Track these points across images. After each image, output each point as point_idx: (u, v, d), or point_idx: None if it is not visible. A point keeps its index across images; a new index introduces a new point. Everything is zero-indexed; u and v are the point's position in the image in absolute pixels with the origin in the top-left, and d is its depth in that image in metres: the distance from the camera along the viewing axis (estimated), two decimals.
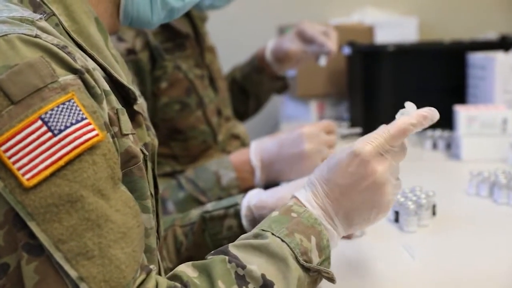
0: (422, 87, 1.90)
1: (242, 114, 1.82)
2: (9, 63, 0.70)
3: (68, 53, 0.74)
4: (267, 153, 1.35)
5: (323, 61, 1.71)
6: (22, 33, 0.73)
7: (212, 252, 0.82)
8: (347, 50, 1.94)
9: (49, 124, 0.70)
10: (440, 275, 0.99)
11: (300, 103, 2.14)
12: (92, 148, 0.71)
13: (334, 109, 2.12)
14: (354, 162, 0.84)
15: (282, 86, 1.82)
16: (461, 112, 1.59)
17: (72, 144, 0.70)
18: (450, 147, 1.67)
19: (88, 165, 0.71)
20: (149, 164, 0.89)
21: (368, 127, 1.84)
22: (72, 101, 0.71)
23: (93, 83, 0.75)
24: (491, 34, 2.11)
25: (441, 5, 2.42)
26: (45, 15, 0.79)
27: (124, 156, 0.79)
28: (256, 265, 0.78)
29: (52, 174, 0.70)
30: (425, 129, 1.78)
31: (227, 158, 1.38)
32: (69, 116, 0.71)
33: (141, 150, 0.84)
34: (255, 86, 1.79)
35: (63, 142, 0.70)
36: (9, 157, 0.69)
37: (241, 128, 1.67)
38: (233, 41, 2.32)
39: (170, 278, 0.78)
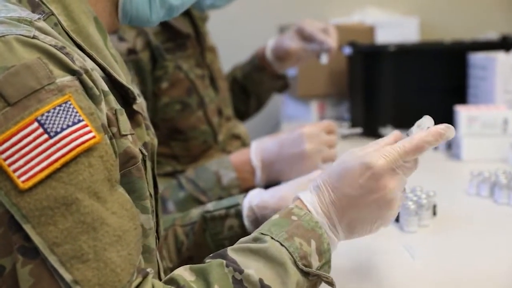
0: (423, 87, 1.90)
1: (243, 113, 1.82)
2: (6, 65, 0.70)
3: (66, 54, 0.74)
4: (268, 153, 1.35)
5: (324, 59, 1.71)
6: (20, 34, 0.72)
7: (211, 255, 0.81)
8: (347, 50, 1.94)
9: (45, 126, 0.70)
10: (440, 275, 0.99)
11: (301, 103, 2.14)
12: (88, 150, 0.71)
13: (335, 109, 2.12)
14: (366, 174, 0.83)
15: (282, 85, 1.82)
16: (462, 112, 1.59)
17: (68, 146, 0.70)
18: (451, 147, 1.67)
19: (84, 167, 0.71)
20: (149, 164, 0.88)
21: (369, 127, 1.87)
22: (69, 103, 0.71)
23: (91, 84, 0.75)
24: (492, 34, 2.11)
25: (442, 5, 2.42)
26: (43, 15, 0.78)
27: (122, 157, 0.79)
28: (254, 269, 0.78)
29: (48, 177, 0.69)
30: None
31: (227, 158, 1.38)
32: (65, 118, 0.70)
33: (140, 150, 0.84)
34: (255, 85, 1.79)
35: (59, 144, 0.70)
36: (5, 159, 0.69)
37: (242, 128, 1.67)
38: (233, 41, 2.32)
39: (167, 282, 0.78)
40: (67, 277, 0.69)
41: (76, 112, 0.71)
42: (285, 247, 0.80)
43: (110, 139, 0.76)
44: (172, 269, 1.06)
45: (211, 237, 1.08)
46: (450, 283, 0.96)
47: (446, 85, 1.88)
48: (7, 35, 0.72)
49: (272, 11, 2.42)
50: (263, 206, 1.05)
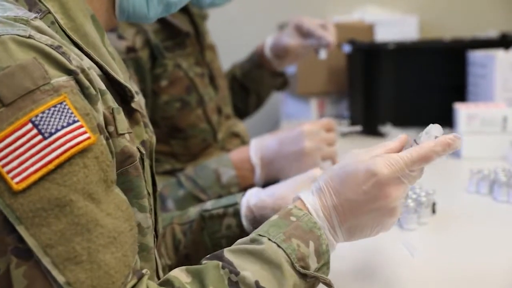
0: (422, 85, 1.90)
1: (243, 111, 1.82)
2: (1, 65, 0.70)
3: (63, 53, 0.73)
4: (267, 151, 1.35)
5: (323, 54, 1.71)
6: (15, 34, 0.72)
7: (207, 256, 0.81)
8: (347, 48, 1.94)
9: (40, 127, 0.69)
10: (439, 273, 0.99)
11: (300, 101, 2.14)
12: (83, 151, 0.71)
13: (334, 107, 2.12)
14: (370, 181, 0.82)
15: (282, 82, 1.82)
16: (461, 110, 1.59)
17: (62, 147, 0.70)
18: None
19: (79, 168, 0.70)
20: (147, 162, 0.88)
21: (368, 125, 1.87)
22: (64, 103, 0.71)
23: (87, 83, 0.74)
24: (492, 32, 2.11)
25: (441, 4, 2.42)
26: (40, 13, 0.78)
27: (120, 156, 0.78)
28: (250, 271, 0.77)
29: (42, 178, 0.69)
30: (425, 127, 1.79)
31: (227, 156, 1.38)
32: (60, 118, 0.70)
33: (138, 148, 0.84)
34: (255, 83, 1.79)
35: (53, 146, 0.69)
36: None
37: (241, 126, 1.67)
38: (233, 40, 2.32)
39: (162, 283, 0.77)
40: (60, 279, 0.69)
41: (71, 113, 0.71)
42: (282, 249, 0.79)
43: (107, 139, 0.76)
44: (170, 267, 1.06)
45: (209, 235, 1.07)
46: (450, 281, 0.97)
47: (445, 83, 1.89)
48: (3, 35, 0.72)
49: (272, 10, 2.42)
50: (261, 206, 1.05)
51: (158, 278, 0.89)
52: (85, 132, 0.71)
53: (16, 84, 0.69)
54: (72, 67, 0.73)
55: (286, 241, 0.80)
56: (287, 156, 1.33)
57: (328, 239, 0.83)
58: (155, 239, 0.92)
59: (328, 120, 1.39)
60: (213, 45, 1.65)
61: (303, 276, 0.80)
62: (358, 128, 1.86)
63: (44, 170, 0.69)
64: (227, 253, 0.80)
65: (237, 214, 1.07)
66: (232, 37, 2.34)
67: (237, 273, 0.77)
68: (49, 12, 0.79)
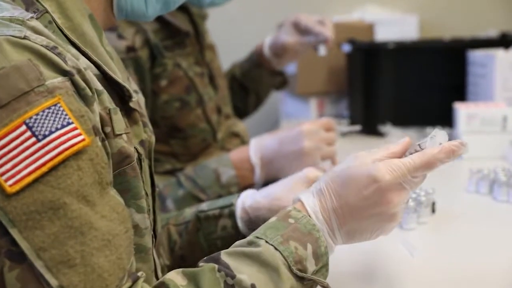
0: (422, 84, 1.90)
1: (242, 111, 1.82)
2: None
3: (58, 54, 0.73)
4: (267, 151, 1.35)
5: (322, 51, 1.70)
6: (10, 35, 0.71)
7: (204, 258, 0.80)
8: (347, 48, 1.94)
9: (34, 129, 0.69)
10: (439, 272, 0.99)
11: (300, 100, 2.14)
12: (78, 153, 0.70)
13: (334, 106, 2.12)
14: (371, 187, 0.82)
15: (281, 81, 1.82)
16: (461, 109, 1.59)
17: (56, 149, 0.69)
18: None
19: (73, 170, 0.70)
20: (146, 162, 0.88)
21: (368, 125, 1.87)
22: (59, 105, 0.70)
23: (83, 84, 0.74)
24: (492, 32, 2.11)
25: (441, 3, 2.42)
26: (37, 13, 0.78)
27: (117, 156, 0.78)
28: (247, 274, 0.77)
29: (35, 180, 0.69)
30: (425, 126, 1.79)
31: (226, 156, 1.38)
32: (54, 120, 0.70)
33: (136, 149, 0.83)
34: (254, 82, 1.79)
35: (47, 148, 0.69)
36: None
37: (241, 126, 1.67)
38: (233, 39, 2.32)
39: (157, 286, 0.77)
40: (53, 282, 0.68)
41: (66, 115, 0.70)
42: (280, 251, 0.79)
43: (103, 140, 0.75)
44: (168, 267, 1.06)
45: (204, 236, 1.07)
46: (449, 280, 0.97)
47: (445, 83, 1.88)
48: None
49: (272, 9, 2.42)
50: (257, 207, 1.04)
51: (157, 278, 0.89)
52: (79, 134, 0.71)
53: (10, 85, 0.69)
54: (68, 68, 0.73)
55: (283, 243, 0.80)
56: (286, 156, 1.33)
57: (327, 241, 0.83)
58: (154, 239, 0.92)
59: (327, 119, 1.39)
60: (213, 44, 1.65)
61: (300, 279, 0.79)
62: (358, 127, 1.85)
63: (38, 173, 0.69)
64: (224, 255, 0.79)
65: (232, 215, 1.06)
66: (232, 36, 2.34)
67: (233, 276, 0.76)
68: (47, 12, 0.79)
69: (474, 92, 1.81)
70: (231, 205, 1.07)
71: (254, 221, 1.04)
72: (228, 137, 1.58)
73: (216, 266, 0.77)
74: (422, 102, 1.89)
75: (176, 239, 1.08)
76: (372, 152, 0.86)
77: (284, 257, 0.79)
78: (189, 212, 1.10)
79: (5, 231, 0.69)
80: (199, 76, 1.50)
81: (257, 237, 0.81)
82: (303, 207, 0.84)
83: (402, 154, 0.86)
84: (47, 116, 0.70)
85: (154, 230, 0.92)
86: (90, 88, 0.75)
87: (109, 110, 0.78)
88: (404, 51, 1.90)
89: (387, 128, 1.86)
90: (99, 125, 0.75)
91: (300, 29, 1.70)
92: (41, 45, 0.72)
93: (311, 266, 0.80)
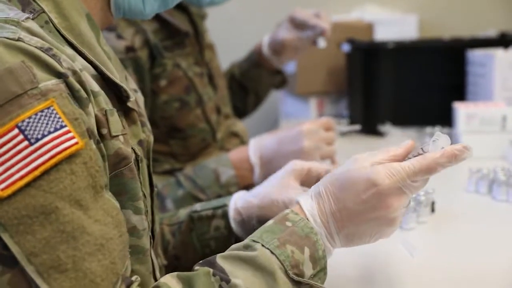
0: (422, 84, 1.90)
1: (242, 111, 1.82)
2: None
3: (53, 56, 0.72)
4: (266, 151, 1.35)
5: (321, 43, 1.69)
6: (4, 37, 0.71)
7: (200, 262, 0.80)
8: (346, 47, 1.94)
9: (26, 132, 0.68)
10: (438, 272, 0.99)
11: (300, 100, 2.14)
12: (71, 157, 0.70)
13: (334, 106, 2.12)
14: (370, 191, 0.81)
15: (280, 80, 1.82)
16: (461, 109, 1.59)
17: (49, 153, 0.69)
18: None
19: (65, 174, 0.69)
20: (144, 162, 0.87)
21: (368, 124, 1.87)
22: (52, 108, 0.70)
23: (77, 86, 0.73)
24: (491, 32, 2.11)
25: (441, 3, 2.42)
26: (34, 13, 0.77)
27: (114, 158, 0.78)
28: (242, 279, 0.76)
29: (27, 185, 0.68)
30: (425, 126, 1.79)
31: (226, 156, 1.38)
32: (47, 124, 0.69)
33: (133, 149, 0.83)
34: (254, 82, 1.79)
35: (39, 151, 0.68)
36: None
37: (240, 126, 1.67)
38: (233, 38, 2.32)
39: None
40: (44, 287, 0.68)
41: (59, 118, 0.70)
42: (276, 255, 0.78)
43: (98, 143, 0.75)
44: (166, 267, 1.06)
45: (197, 237, 1.06)
46: (449, 280, 0.97)
47: (445, 82, 1.88)
48: None
49: (271, 9, 2.41)
50: (248, 207, 1.04)
51: (155, 279, 0.88)
52: (72, 137, 0.70)
53: (3, 88, 0.69)
54: (62, 70, 0.72)
55: (280, 247, 0.79)
56: (286, 156, 1.33)
57: (325, 245, 0.82)
58: (152, 240, 0.91)
59: (327, 119, 1.39)
60: (212, 44, 1.65)
61: (297, 283, 0.79)
62: (357, 127, 1.85)
63: (30, 177, 0.68)
64: (219, 259, 0.78)
65: (225, 216, 1.06)
66: (232, 36, 2.34)
67: (228, 281, 0.76)
68: (43, 12, 0.78)
69: (474, 92, 1.81)
70: (224, 205, 1.06)
71: (247, 221, 1.03)
72: (227, 137, 1.58)
73: (211, 270, 0.77)
74: (422, 101, 1.89)
75: (169, 239, 1.08)
76: (372, 155, 0.84)
77: (280, 261, 0.78)
78: (183, 212, 1.10)
79: None
80: (198, 76, 1.50)
81: (254, 241, 0.80)
82: (301, 210, 0.84)
83: (404, 157, 0.85)
84: (40, 119, 0.69)
85: (152, 231, 0.92)
86: (86, 90, 0.74)
87: (106, 111, 0.77)
88: (403, 51, 1.90)
89: (387, 128, 1.86)
90: (94, 128, 0.74)
91: (297, 24, 1.69)
92: (35, 47, 0.72)
93: (308, 270, 0.79)
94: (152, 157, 0.94)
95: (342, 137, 1.82)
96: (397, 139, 1.81)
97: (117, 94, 0.83)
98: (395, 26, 2.20)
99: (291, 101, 2.17)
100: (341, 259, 1.01)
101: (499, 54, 1.72)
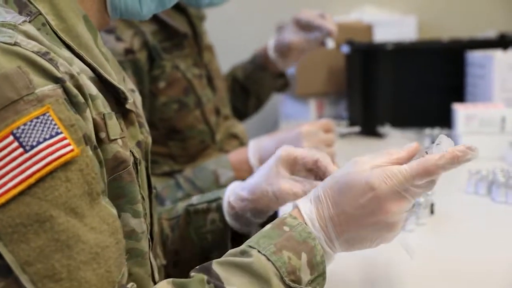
0: (421, 85, 1.90)
1: (242, 113, 1.82)
2: None
3: (50, 60, 0.72)
4: (266, 152, 1.35)
5: (330, 44, 1.68)
6: (0, 41, 0.71)
7: (197, 267, 0.79)
8: (346, 49, 1.94)
9: (21, 139, 0.68)
10: (438, 273, 0.99)
11: (299, 102, 2.14)
12: (66, 164, 0.69)
13: (333, 107, 2.12)
14: (368, 195, 0.79)
15: (283, 84, 1.82)
16: (460, 110, 1.59)
17: (43, 160, 0.68)
18: None
19: (61, 182, 0.69)
20: (143, 163, 0.87)
21: (367, 126, 1.87)
22: (48, 114, 0.69)
23: (75, 91, 0.73)
24: (490, 33, 2.11)
25: (440, 4, 2.42)
26: (31, 16, 0.77)
27: (112, 162, 0.77)
28: (237, 286, 0.76)
29: (22, 192, 0.67)
30: (424, 127, 1.79)
31: (225, 157, 1.39)
32: (42, 131, 0.69)
33: (132, 152, 0.83)
34: (257, 85, 1.79)
35: (34, 159, 0.68)
36: None
37: (240, 127, 1.67)
38: (231, 39, 2.32)
39: None
40: None
41: (55, 124, 0.69)
42: (272, 262, 0.77)
43: (95, 148, 0.74)
44: (165, 267, 1.06)
45: (194, 230, 1.06)
46: (448, 281, 0.97)
47: (444, 84, 1.88)
48: None
49: (270, 10, 2.42)
50: (240, 200, 1.03)
51: (154, 282, 0.88)
52: (68, 145, 0.69)
53: None
54: (59, 75, 0.72)
55: (276, 253, 0.78)
56: None
57: (325, 250, 0.81)
58: (151, 242, 0.91)
59: (326, 121, 1.39)
60: (211, 45, 1.65)
61: None
62: (357, 129, 1.85)
63: (25, 185, 0.67)
64: (215, 265, 0.78)
65: (220, 209, 1.05)
66: (230, 37, 2.34)
67: None
68: (40, 14, 0.78)
69: (473, 93, 1.81)
70: (219, 198, 1.05)
71: (241, 215, 1.03)
72: (226, 139, 1.58)
73: (206, 277, 0.76)
74: (421, 103, 1.89)
75: (168, 234, 1.07)
76: (374, 158, 0.82)
77: (276, 268, 0.77)
78: (181, 206, 1.09)
79: None
80: (197, 77, 1.50)
81: (250, 246, 0.79)
82: (300, 214, 0.82)
83: (407, 161, 0.82)
84: (35, 126, 0.68)
85: (151, 232, 0.92)
86: (83, 94, 0.74)
87: (104, 115, 0.77)
88: (402, 52, 1.90)
89: (386, 129, 1.86)
90: (91, 133, 0.74)
91: (302, 26, 1.69)
92: (32, 51, 0.71)
93: (305, 276, 0.78)
94: (151, 159, 0.94)
95: (342, 138, 1.81)
96: (397, 140, 1.81)
97: (115, 96, 0.83)
98: (394, 27, 2.20)
99: (291, 102, 2.17)
100: (340, 262, 1.01)
101: (498, 55, 1.72)
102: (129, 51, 1.38)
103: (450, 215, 1.23)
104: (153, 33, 1.43)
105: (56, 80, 0.71)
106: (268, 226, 0.82)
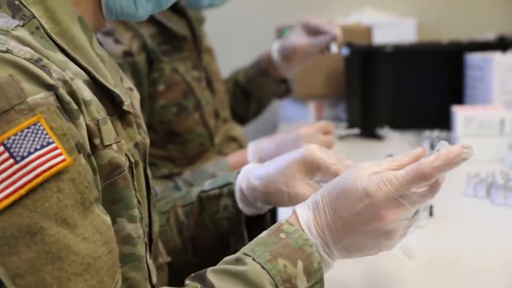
0: (420, 87, 1.90)
1: (243, 117, 1.81)
2: None
3: (42, 67, 0.71)
4: (264, 155, 1.35)
5: (334, 49, 1.68)
6: None
7: (192, 275, 0.78)
8: (345, 51, 1.94)
9: (12, 150, 0.67)
10: (437, 276, 0.99)
11: (298, 104, 2.14)
12: (58, 174, 0.68)
13: (332, 110, 2.12)
14: (363, 202, 0.77)
15: (285, 90, 1.81)
16: (459, 112, 1.59)
17: (34, 171, 0.67)
18: None
19: (52, 193, 0.68)
20: (140, 164, 0.87)
21: (366, 128, 1.87)
22: (39, 124, 0.68)
23: (68, 98, 0.72)
24: (490, 34, 2.11)
25: (439, 6, 2.42)
26: (24, 19, 0.76)
27: (107, 168, 0.77)
28: None
29: (12, 204, 0.67)
30: (423, 129, 1.79)
31: (224, 160, 1.39)
32: (34, 141, 0.68)
33: (128, 156, 0.82)
34: (258, 89, 1.78)
35: (25, 170, 0.67)
36: None
37: (239, 130, 1.67)
38: (231, 41, 2.32)
39: None
40: None
41: (46, 134, 0.69)
42: (266, 270, 0.75)
43: (89, 156, 0.74)
44: (178, 249, 1.04)
45: (209, 217, 1.03)
46: (447, 283, 0.97)
47: (443, 86, 1.89)
48: None
49: (270, 11, 2.42)
50: (252, 189, 1.00)
51: (152, 285, 0.88)
52: (60, 154, 0.69)
53: None
54: (52, 82, 0.71)
55: (271, 261, 0.76)
56: None
57: (322, 257, 0.79)
58: (150, 242, 0.91)
59: (325, 123, 1.39)
60: (211, 48, 1.65)
61: None
62: (356, 131, 1.85)
63: (15, 196, 0.67)
64: (210, 273, 0.77)
65: (231, 194, 1.02)
66: (230, 38, 2.35)
67: None
68: (34, 17, 0.77)
69: (472, 95, 1.81)
70: (230, 183, 1.03)
71: (252, 203, 1.01)
72: (225, 142, 1.58)
73: (200, 286, 0.75)
74: (420, 105, 1.89)
75: (183, 221, 1.05)
76: (376, 164, 0.80)
77: (271, 276, 0.75)
78: (195, 192, 1.06)
79: None
80: (196, 80, 1.50)
81: (245, 254, 0.78)
82: (297, 220, 0.81)
83: None
84: (26, 136, 0.68)
85: (150, 233, 0.91)
86: (77, 100, 0.73)
87: (98, 120, 0.76)
88: (402, 54, 1.91)
89: (385, 132, 1.86)
90: (84, 140, 0.73)
91: (310, 30, 1.69)
92: (24, 58, 0.71)
93: (302, 284, 0.77)
94: (150, 162, 0.93)
95: (341, 141, 1.81)
96: (396, 142, 1.81)
97: (111, 98, 0.82)
98: (393, 30, 2.20)
99: (290, 104, 2.17)
100: (338, 265, 1.01)
101: (497, 58, 1.72)
102: (127, 54, 1.38)
103: (449, 217, 1.23)
104: (152, 35, 1.43)
105: (48, 87, 0.71)
106: (264, 233, 0.80)
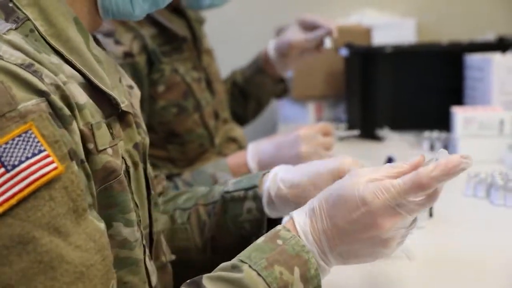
0: (420, 88, 1.90)
1: (242, 118, 1.82)
2: None
3: (34, 72, 0.70)
4: (264, 156, 1.35)
5: (328, 43, 1.68)
6: None
7: (187, 282, 0.77)
8: (344, 52, 1.94)
9: (3, 159, 0.66)
10: (437, 276, 0.99)
11: (298, 105, 2.14)
12: (50, 183, 0.67)
13: (332, 110, 2.12)
14: (360, 210, 0.76)
15: (282, 89, 1.81)
16: (459, 113, 1.59)
17: (26, 180, 0.66)
18: (448, 149, 1.67)
19: (44, 201, 0.67)
20: (140, 165, 0.86)
21: (366, 129, 1.87)
22: (30, 132, 0.67)
23: (60, 104, 0.71)
24: (490, 35, 2.11)
25: (439, 7, 2.42)
26: (18, 22, 0.75)
27: (102, 172, 0.76)
28: None
29: (4, 214, 0.66)
30: (423, 130, 1.79)
31: (224, 161, 1.39)
32: (25, 149, 0.67)
33: (124, 159, 0.81)
34: (256, 89, 1.78)
35: (16, 179, 0.66)
36: None
37: (239, 131, 1.67)
38: (231, 41, 2.32)
39: None
40: None
41: (38, 142, 0.67)
42: (262, 277, 0.75)
43: (82, 162, 0.73)
44: (199, 249, 1.04)
45: (231, 219, 1.02)
46: (447, 284, 0.97)
47: (443, 86, 1.89)
48: None
49: (270, 11, 2.42)
50: (280, 196, 0.99)
51: (150, 286, 0.87)
52: (52, 162, 0.68)
53: None
54: (44, 88, 0.70)
55: (267, 268, 0.75)
56: (284, 160, 1.32)
57: (319, 263, 0.79)
58: (151, 243, 0.91)
59: (325, 124, 1.39)
60: (210, 49, 1.65)
61: None
62: (356, 132, 1.85)
63: (6, 206, 0.66)
64: (205, 280, 0.76)
65: (256, 197, 1.01)
66: (230, 38, 2.35)
67: None
68: (28, 19, 0.76)
69: (472, 96, 1.82)
70: (254, 186, 1.01)
71: (279, 209, 1.00)
72: (225, 142, 1.58)
73: None
74: (420, 106, 1.89)
75: (205, 220, 1.04)
76: (374, 170, 0.79)
77: (267, 283, 0.74)
78: (218, 190, 1.05)
79: None
80: (196, 81, 1.50)
81: (241, 261, 0.77)
82: (294, 227, 0.80)
83: None
84: (17, 144, 0.67)
85: (151, 234, 0.91)
86: (70, 105, 0.72)
87: (91, 125, 0.75)
88: (401, 55, 1.91)
89: (385, 132, 1.86)
90: (78, 147, 0.73)
91: (306, 26, 1.69)
92: (15, 64, 0.70)
93: None
94: (149, 162, 0.93)
95: (340, 142, 1.81)
96: (395, 143, 1.81)
97: (108, 100, 0.81)
98: (393, 30, 2.20)
99: (289, 105, 2.17)
100: (339, 266, 1.01)
101: (497, 58, 1.72)
102: (128, 55, 1.38)
103: (448, 218, 1.23)
104: (152, 36, 1.43)
105: (40, 93, 0.69)
106: (261, 239, 0.80)
